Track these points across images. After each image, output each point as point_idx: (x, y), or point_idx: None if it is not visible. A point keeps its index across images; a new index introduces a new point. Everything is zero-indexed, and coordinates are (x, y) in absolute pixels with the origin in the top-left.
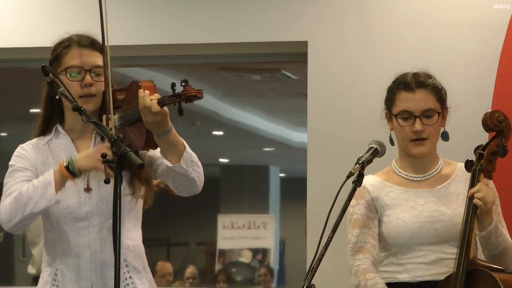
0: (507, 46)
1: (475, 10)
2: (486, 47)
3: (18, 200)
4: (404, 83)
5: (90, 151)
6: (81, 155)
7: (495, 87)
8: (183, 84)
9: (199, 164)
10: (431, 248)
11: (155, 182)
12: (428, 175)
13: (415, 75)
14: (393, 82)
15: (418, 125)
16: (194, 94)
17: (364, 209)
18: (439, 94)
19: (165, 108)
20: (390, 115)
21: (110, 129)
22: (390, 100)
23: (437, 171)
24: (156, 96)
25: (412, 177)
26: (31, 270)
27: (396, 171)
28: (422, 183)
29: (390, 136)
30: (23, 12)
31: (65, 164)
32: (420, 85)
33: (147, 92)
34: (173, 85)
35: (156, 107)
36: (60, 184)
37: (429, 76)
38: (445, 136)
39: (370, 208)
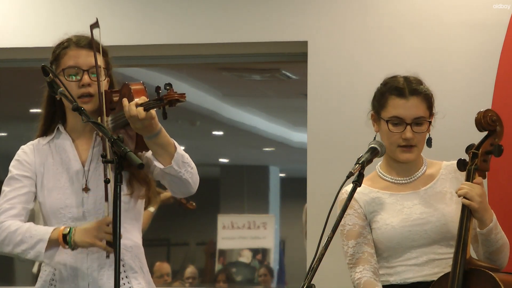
0: (507, 46)
1: (475, 10)
2: (486, 47)
3: (11, 236)
4: (397, 89)
5: (90, 227)
6: (80, 230)
7: (495, 87)
8: (167, 88)
9: (192, 164)
10: (422, 250)
11: (168, 194)
12: (413, 177)
13: (407, 80)
14: (384, 85)
15: (409, 133)
16: (176, 98)
17: (354, 219)
18: (429, 102)
19: (152, 111)
20: (378, 118)
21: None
22: (380, 104)
23: (422, 172)
24: (143, 99)
25: (397, 180)
26: (35, 268)
27: (381, 175)
28: (407, 186)
29: (375, 138)
30: (23, 12)
31: (64, 232)
32: (414, 92)
33: (132, 102)
34: (157, 88)
35: (142, 114)
36: (52, 245)
37: (420, 82)
38: (429, 143)
39: (360, 217)
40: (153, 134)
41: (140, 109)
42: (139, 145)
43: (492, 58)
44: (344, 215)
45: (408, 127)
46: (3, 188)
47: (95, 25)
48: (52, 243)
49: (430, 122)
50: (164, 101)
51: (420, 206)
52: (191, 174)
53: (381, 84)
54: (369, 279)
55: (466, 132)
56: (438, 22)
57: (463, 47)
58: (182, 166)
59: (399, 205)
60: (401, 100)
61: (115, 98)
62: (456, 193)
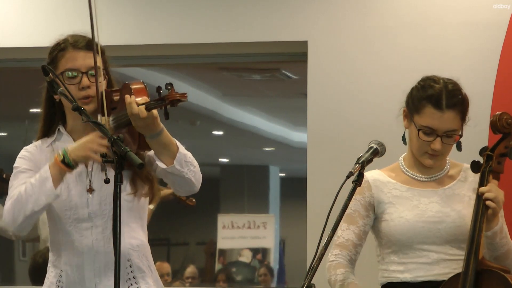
0: (507, 46)
1: (475, 10)
2: (486, 47)
3: (18, 200)
4: (435, 99)
5: (81, 141)
6: (73, 146)
7: (495, 87)
8: (168, 88)
9: (195, 163)
10: (433, 249)
11: (169, 191)
12: (434, 177)
13: (447, 89)
14: (422, 89)
15: (438, 145)
16: (178, 98)
17: (358, 205)
18: (464, 114)
19: (154, 111)
20: (410, 118)
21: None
22: (415, 108)
23: (444, 172)
24: (145, 99)
25: (419, 177)
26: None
27: (403, 169)
28: (427, 183)
29: (404, 135)
30: (23, 12)
31: (60, 158)
32: (451, 106)
33: (133, 98)
34: (158, 88)
35: (144, 113)
36: (58, 179)
37: (459, 91)
38: (458, 146)
39: (365, 206)
40: (154, 133)
41: (142, 107)
42: (141, 145)
43: (492, 58)
44: (352, 200)
45: (438, 139)
46: (10, 183)
47: None
48: (56, 176)
49: (460, 136)
50: (166, 101)
51: (437, 204)
52: (193, 173)
53: (419, 83)
54: (340, 262)
55: (466, 132)
56: (438, 22)
57: (463, 47)
58: (184, 165)
59: (415, 200)
60: (437, 112)
61: (116, 98)
62: (481, 193)
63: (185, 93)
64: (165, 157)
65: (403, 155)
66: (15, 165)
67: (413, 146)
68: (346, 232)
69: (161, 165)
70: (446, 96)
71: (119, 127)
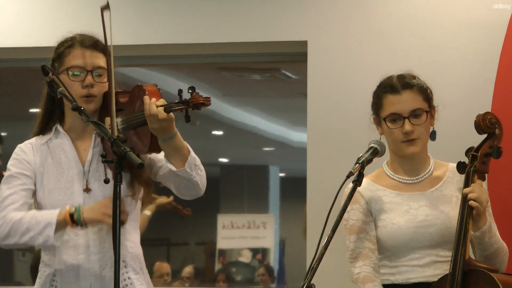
0: (507, 46)
1: (475, 10)
2: (486, 47)
3: (17, 226)
4: (389, 86)
5: (96, 205)
6: (88, 207)
7: (495, 87)
8: (190, 91)
9: (202, 167)
10: (425, 252)
11: (166, 200)
12: (420, 178)
13: (400, 76)
14: (378, 86)
15: (407, 126)
16: (202, 101)
17: (359, 214)
18: (425, 94)
19: (171, 113)
20: (378, 119)
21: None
22: (377, 105)
23: (429, 173)
24: (162, 101)
25: (404, 179)
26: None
27: (388, 173)
28: (414, 186)
29: (381, 138)
30: (23, 12)
31: (71, 211)
32: (406, 86)
33: (153, 99)
34: (180, 91)
35: (163, 114)
36: (60, 227)
37: (413, 77)
38: (433, 136)
39: (365, 212)
40: (168, 136)
41: (161, 109)
42: (153, 147)
43: (492, 58)
44: (349, 210)
45: (406, 121)
46: (2, 186)
47: (106, 7)
48: (60, 225)
49: (427, 113)
50: (190, 104)
51: (426, 208)
52: (200, 177)
53: (376, 86)
54: (368, 274)
55: (466, 132)
56: (438, 22)
57: (463, 47)
58: (194, 169)
59: (405, 205)
60: (394, 96)
61: (122, 99)
62: (465, 194)
63: (209, 97)
64: (175, 160)
65: (386, 160)
66: (8, 165)
67: (390, 144)
68: (358, 242)
69: (171, 167)
70: (400, 79)
71: (127, 128)
